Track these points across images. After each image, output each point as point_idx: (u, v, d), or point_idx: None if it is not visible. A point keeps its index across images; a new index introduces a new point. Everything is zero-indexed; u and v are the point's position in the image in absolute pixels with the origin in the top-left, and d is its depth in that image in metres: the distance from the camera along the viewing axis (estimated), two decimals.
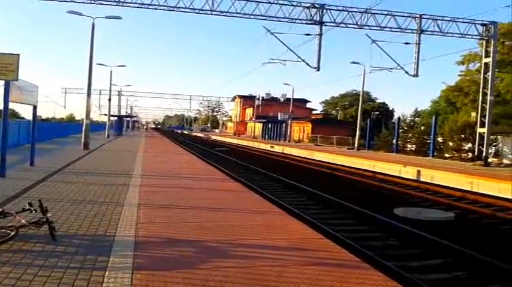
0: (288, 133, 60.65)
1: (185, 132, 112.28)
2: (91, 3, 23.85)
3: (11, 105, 11.23)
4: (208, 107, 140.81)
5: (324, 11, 25.56)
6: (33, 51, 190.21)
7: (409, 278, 6.07)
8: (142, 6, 24.35)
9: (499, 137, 28.72)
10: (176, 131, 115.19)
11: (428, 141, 31.96)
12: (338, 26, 26.05)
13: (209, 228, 6.52)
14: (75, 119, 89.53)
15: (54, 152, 20.17)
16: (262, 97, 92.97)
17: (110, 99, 48.15)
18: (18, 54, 9.73)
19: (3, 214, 5.87)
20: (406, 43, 27.52)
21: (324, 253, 5.50)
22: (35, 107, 13.74)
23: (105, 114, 52.71)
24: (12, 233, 5.23)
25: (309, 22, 25.78)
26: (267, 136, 70.66)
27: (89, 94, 24.48)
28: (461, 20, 26.11)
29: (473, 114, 31.97)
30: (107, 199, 8.55)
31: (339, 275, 4.66)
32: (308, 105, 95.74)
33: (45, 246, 5.21)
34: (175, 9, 24.56)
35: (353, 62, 39.07)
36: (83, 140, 23.15)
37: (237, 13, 24.86)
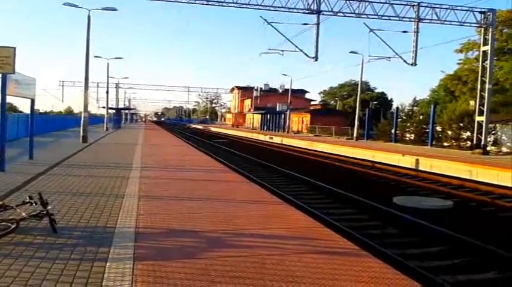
0: (287, 124, 60.57)
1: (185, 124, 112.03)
2: None
3: (9, 99, 11.23)
4: (207, 98, 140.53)
5: None
6: (30, 43, 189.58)
7: (408, 265, 6.11)
8: None
9: (497, 125, 28.71)
10: (174, 123, 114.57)
11: (427, 130, 31.94)
12: (335, 15, 25.90)
13: (209, 218, 6.55)
14: (73, 112, 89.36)
15: (53, 145, 20.17)
16: (261, 88, 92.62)
17: (107, 92, 48.18)
18: (14, 47, 9.66)
19: (4, 207, 5.90)
20: (404, 32, 27.42)
21: (323, 242, 5.54)
22: (32, 101, 13.71)
23: (103, 107, 52.61)
24: (13, 226, 5.26)
25: (306, 11, 25.63)
26: (265, 127, 70.64)
27: (86, 87, 24.39)
28: (459, 8, 26.00)
29: (472, 102, 31.95)
30: (106, 191, 8.56)
31: (338, 262, 4.70)
32: (307, 95, 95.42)
33: (46, 238, 5.23)
34: None
35: (351, 52, 38.86)
36: (81, 133, 23.13)
37: (234, 3, 24.71)
